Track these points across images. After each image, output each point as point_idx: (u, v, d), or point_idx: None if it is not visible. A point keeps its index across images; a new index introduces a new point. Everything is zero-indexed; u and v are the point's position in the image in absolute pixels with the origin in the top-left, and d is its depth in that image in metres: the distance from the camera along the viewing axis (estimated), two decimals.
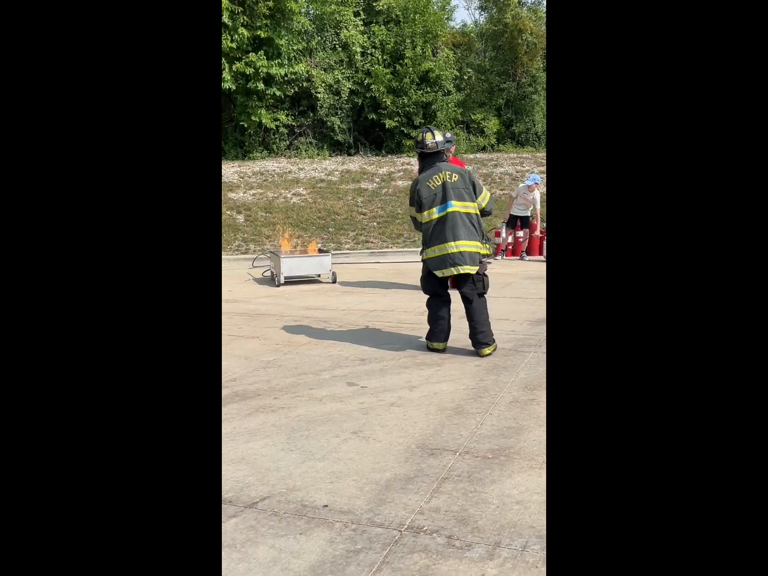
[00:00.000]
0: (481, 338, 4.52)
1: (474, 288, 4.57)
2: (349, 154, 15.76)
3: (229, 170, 13.47)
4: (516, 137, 16.75)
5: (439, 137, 4.71)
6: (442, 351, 4.65)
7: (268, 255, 8.68)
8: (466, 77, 16.64)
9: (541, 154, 15.00)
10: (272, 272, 8.04)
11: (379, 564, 2.03)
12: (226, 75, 13.90)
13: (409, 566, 2.02)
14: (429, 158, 4.71)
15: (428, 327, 4.73)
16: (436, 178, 4.59)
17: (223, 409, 3.47)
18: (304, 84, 15.32)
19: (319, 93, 15.26)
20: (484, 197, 4.65)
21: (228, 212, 11.22)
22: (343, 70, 15.55)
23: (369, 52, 15.70)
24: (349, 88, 15.49)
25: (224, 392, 3.76)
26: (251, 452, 2.92)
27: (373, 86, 15.11)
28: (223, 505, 2.44)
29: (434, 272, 4.58)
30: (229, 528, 2.28)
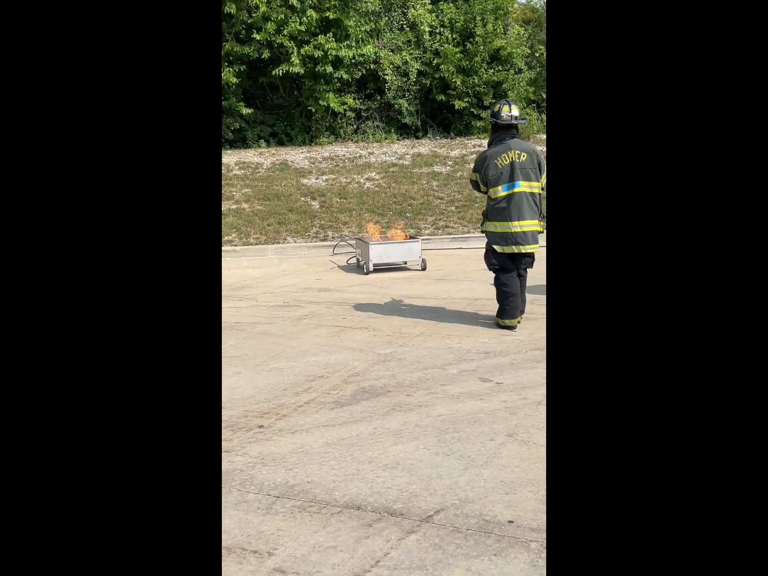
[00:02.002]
0: (522, 308, 4.80)
1: (525, 263, 4.79)
2: (417, 137, 15.44)
3: (299, 156, 13.34)
4: None
5: (515, 111, 4.79)
6: (514, 328, 4.72)
7: (351, 242, 8.49)
8: (537, 54, 16.08)
9: None
10: (358, 259, 7.84)
11: None
12: (294, 59, 13.74)
13: None
14: (501, 131, 4.81)
15: (499, 305, 4.82)
16: (504, 156, 4.69)
17: (357, 407, 3.28)
18: (372, 66, 15.04)
19: (387, 75, 14.95)
20: (544, 179, 4.78)
21: (302, 198, 11.08)
22: (411, 51, 15.19)
23: (437, 31, 15.29)
24: (417, 69, 15.13)
25: (351, 388, 3.56)
26: (403, 456, 2.71)
27: (442, 66, 14.70)
28: (395, 518, 2.24)
29: (493, 246, 4.74)
30: (411, 545, 2.07)
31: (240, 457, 2.77)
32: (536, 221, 4.70)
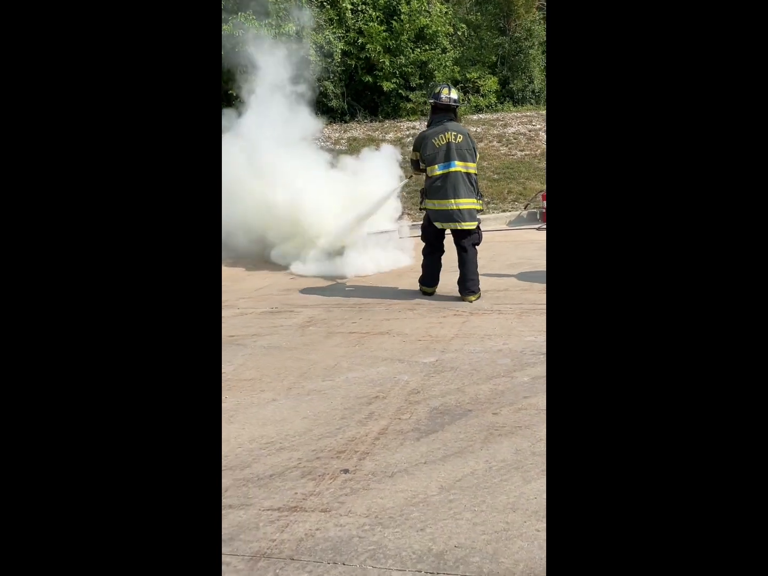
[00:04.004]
0: (470, 285, 5.03)
1: (469, 239, 5.05)
2: (344, 121, 14.82)
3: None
4: (513, 95, 16.06)
5: (454, 95, 5.11)
6: (431, 294, 5.31)
7: None
8: (459, 33, 15.81)
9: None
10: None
11: None
12: None
13: None
14: (439, 113, 5.09)
15: (422, 273, 5.36)
16: (441, 137, 4.96)
17: (446, 435, 2.79)
18: (294, 47, 14.23)
19: (311, 56, 14.20)
20: (477, 161, 5.17)
21: None
22: (334, 30, 14.50)
23: (360, 8, 14.67)
24: (341, 49, 14.47)
25: (421, 410, 3.06)
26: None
27: (368, 46, 14.13)
28: None
29: (434, 223, 5.07)
30: None
31: (347, 518, 2.22)
32: (472, 199, 4.97)
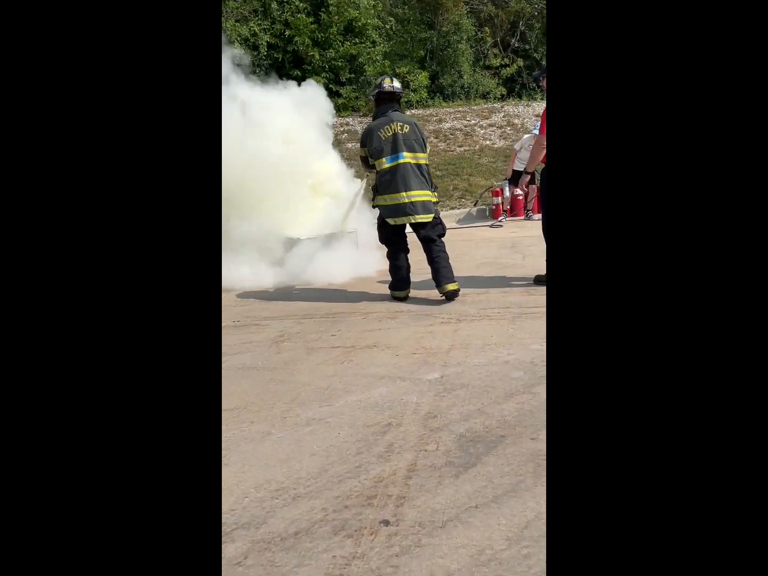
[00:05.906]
0: (446, 273, 4.74)
1: (433, 230, 4.76)
2: None
3: None
4: (443, 90, 15.91)
5: (397, 84, 4.96)
6: (404, 299, 4.97)
7: None
8: (387, 26, 15.52)
9: (478, 107, 14.31)
10: None
11: None
12: None
13: None
14: (384, 104, 4.88)
15: (391, 278, 5.04)
16: (387, 128, 4.75)
17: (487, 469, 2.44)
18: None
19: (236, 48, 13.53)
20: (428, 152, 4.93)
21: None
22: (259, 22, 13.89)
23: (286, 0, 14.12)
24: (267, 42, 13.89)
25: (447, 439, 2.69)
26: None
27: (296, 39, 13.60)
28: None
29: (386, 220, 4.78)
30: None
31: None
32: (425, 191, 4.69)
